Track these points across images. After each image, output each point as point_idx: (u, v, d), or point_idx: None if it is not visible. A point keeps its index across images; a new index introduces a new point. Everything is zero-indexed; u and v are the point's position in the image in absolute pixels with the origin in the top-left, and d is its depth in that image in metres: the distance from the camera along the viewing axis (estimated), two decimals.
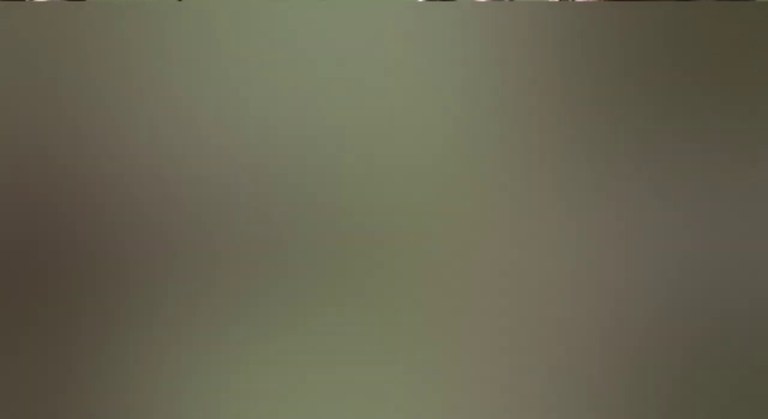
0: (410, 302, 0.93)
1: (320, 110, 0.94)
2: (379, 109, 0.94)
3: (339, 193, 0.93)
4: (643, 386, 0.93)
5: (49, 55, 0.94)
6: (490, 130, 0.94)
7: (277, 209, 0.93)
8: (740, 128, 0.94)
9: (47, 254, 0.93)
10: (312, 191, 0.93)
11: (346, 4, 0.94)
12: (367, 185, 0.93)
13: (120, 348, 0.93)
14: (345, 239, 0.93)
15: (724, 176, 0.93)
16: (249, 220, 0.93)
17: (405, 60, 0.94)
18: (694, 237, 0.93)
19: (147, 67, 0.94)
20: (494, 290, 0.93)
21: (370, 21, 0.94)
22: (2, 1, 0.96)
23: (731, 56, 0.94)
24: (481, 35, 0.94)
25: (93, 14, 0.94)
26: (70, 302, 0.93)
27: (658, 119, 0.94)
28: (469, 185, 0.93)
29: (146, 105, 0.94)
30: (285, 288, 0.93)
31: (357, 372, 0.92)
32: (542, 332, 0.93)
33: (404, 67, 0.94)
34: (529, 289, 0.93)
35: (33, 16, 0.94)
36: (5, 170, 0.93)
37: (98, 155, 0.93)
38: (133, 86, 0.94)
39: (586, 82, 0.94)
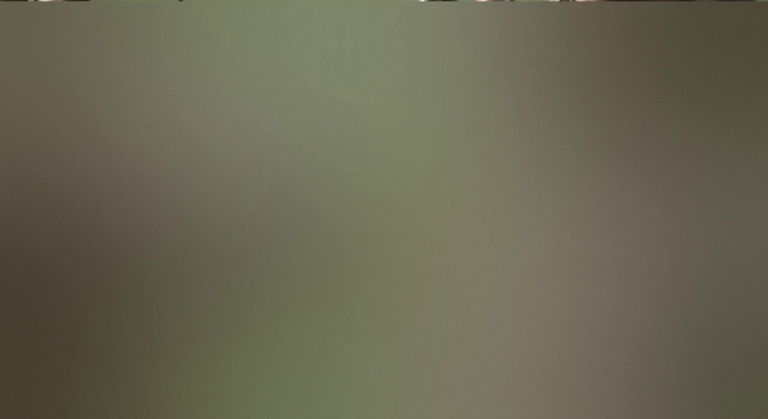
0: (408, 303, 0.93)
1: (320, 110, 0.94)
2: (379, 109, 0.94)
3: (338, 193, 0.93)
4: (638, 386, 0.93)
5: (49, 56, 0.94)
6: (490, 130, 0.94)
7: (277, 208, 0.93)
8: (740, 127, 0.94)
9: (48, 255, 0.93)
10: (312, 191, 0.93)
11: (347, 5, 0.94)
12: (366, 186, 0.93)
13: (118, 348, 0.93)
14: (344, 239, 0.93)
15: (724, 176, 0.93)
16: (248, 220, 0.93)
17: (405, 60, 0.94)
18: (693, 237, 0.93)
19: (147, 67, 0.94)
20: (493, 291, 0.93)
21: (371, 21, 0.94)
22: (2, 1, 0.96)
23: (731, 56, 0.94)
24: (481, 35, 0.94)
25: (94, 14, 0.94)
26: (67, 303, 0.93)
27: (658, 118, 0.94)
28: (469, 185, 0.93)
29: (147, 105, 0.94)
30: (282, 289, 0.93)
31: (355, 372, 0.92)
32: (539, 331, 0.93)
33: (404, 68, 0.94)
34: (527, 289, 0.93)
35: (33, 16, 0.94)
36: (6, 169, 0.93)
37: (99, 155, 0.94)
38: (133, 86, 0.94)
39: (586, 82, 0.94)
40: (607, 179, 0.94)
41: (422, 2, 0.95)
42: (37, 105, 0.94)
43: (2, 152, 0.94)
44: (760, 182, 0.93)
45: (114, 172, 0.93)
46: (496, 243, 0.93)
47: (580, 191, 0.93)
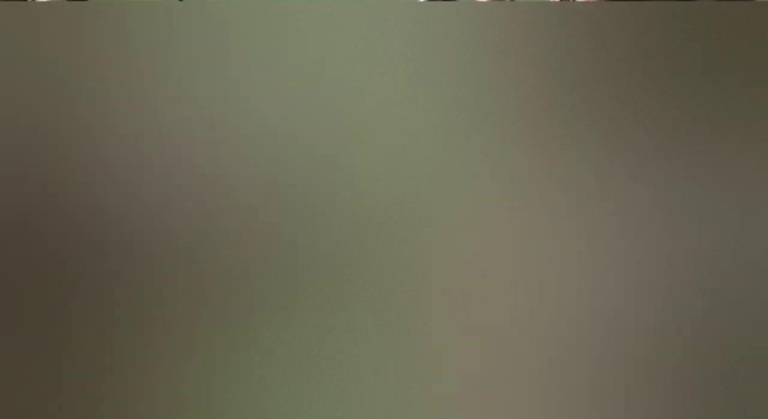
0: (409, 304, 0.93)
1: (320, 109, 0.94)
2: (380, 109, 0.94)
3: (338, 193, 0.93)
4: (639, 385, 0.93)
5: (49, 56, 0.94)
6: (490, 130, 0.94)
7: (277, 208, 0.93)
8: (740, 127, 0.94)
9: (48, 255, 0.93)
10: (312, 191, 0.93)
11: (347, 5, 0.94)
12: (366, 186, 0.93)
13: (118, 348, 0.93)
14: (345, 239, 0.93)
15: (724, 175, 0.93)
16: (249, 220, 0.93)
17: (405, 60, 0.94)
18: (693, 235, 0.93)
19: (147, 67, 0.94)
20: (493, 290, 0.93)
21: (371, 21, 0.94)
22: (2, 1, 0.96)
23: (731, 56, 0.94)
24: (481, 35, 0.94)
25: (94, 14, 0.94)
26: (67, 303, 0.93)
27: (658, 118, 0.94)
28: (469, 185, 0.93)
29: (147, 105, 0.94)
30: (283, 289, 0.93)
31: (355, 372, 0.92)
32: (539, 331, 0.93)
33: (404, 68, 0.94)
34: (528, 289, 0.93)
35: (33, 16, 0.94)
36: (7, 169, 0.93)
37: (99, 155, 0.94)
38: (133, 86, 0.94)
39: (586, 82, 0.94)
40: (608, 179, 0.94)
41: (422, 2, 0.95)
42: (37, 105, 0.94)
43: (2, 151, 0.94)
44: (760, 181, 0.93)
45: (114, 171, 0.93)
46: (496, 243, 0.93)
47: (581, 191, 0.94)
